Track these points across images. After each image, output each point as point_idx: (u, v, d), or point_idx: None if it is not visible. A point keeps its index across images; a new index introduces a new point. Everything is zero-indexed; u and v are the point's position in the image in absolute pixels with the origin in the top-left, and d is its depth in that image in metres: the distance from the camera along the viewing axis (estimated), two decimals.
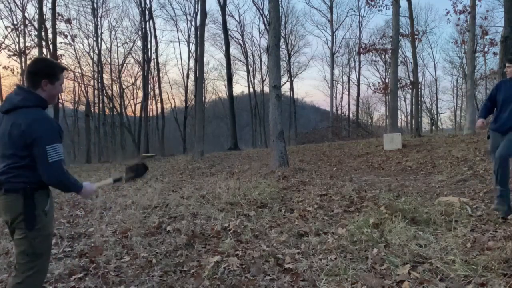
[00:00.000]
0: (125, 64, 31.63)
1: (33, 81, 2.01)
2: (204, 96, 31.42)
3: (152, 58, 28.75)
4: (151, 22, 28.00)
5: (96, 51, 28.68)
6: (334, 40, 33.76)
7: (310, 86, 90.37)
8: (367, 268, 2.79)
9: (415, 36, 19.37)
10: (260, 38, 44.64)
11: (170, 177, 10.08)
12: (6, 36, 31.62)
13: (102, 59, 29.27)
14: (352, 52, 36.13)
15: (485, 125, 4.16)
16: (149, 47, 27.91)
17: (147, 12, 27.92)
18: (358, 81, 35.85)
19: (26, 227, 1.94)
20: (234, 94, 28.24)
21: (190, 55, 33.93)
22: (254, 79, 37.18)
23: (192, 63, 30.19)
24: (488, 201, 4.76)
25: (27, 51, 21.13)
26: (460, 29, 24.94)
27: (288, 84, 35.68)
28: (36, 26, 19.32)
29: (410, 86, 20.42)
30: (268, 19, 13.41)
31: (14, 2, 23.07)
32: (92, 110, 29.38)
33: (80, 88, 31.09)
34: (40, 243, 1.98)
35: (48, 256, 2.08)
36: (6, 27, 37.25)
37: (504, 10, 10.34)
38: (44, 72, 2.02)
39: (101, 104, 29.18)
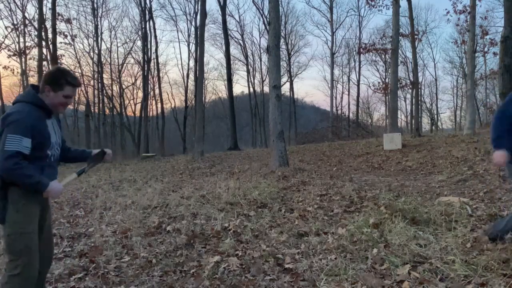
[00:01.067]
0: (125, 64, 31.70)
1: (41, 84, 2.12)
2: (204, 96, 31.44)
3: (152, 58, 28.78)
4: (151, 22, 28.04)
5: (96, 51, 28.71)
6: (334, 40, 33.78)
7: (310, 86, 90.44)
8: (367, 268, 2.79)
9: (415, 36, 19.37)
10: (260, 38, 44.70)
11: (170, 177, 10.08)
12: (6, 36, 31.65)
13: (102, 59, 29.30)
14: (352, 52, 36.17)
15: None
16: (149, 47, 27.94)
17: (147, 12, 27.93)
18: (358, 81, 35.89)
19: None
20: (234, 94, 28.27)
21: (190, 55, 33.99)
22: (254, 79, 37.24)
23: (192, 63, 30.23)
24: (488, 201, 4.76)
25: (27, 51, 21.18)
26: (460, 29, 24.99)
27: (288, 84, 35.74)
28: (36, 26, 19.33)
29: (410, 86, 20.43)
30: (268, 19, 13.41)
31: (14, 2, 23.11)
32: (92, 110, 29.37)
33: (80, 88, 31.02)
34: (14, 240, 1.98)
35: (29, 258, 2.03)
36: (6, 27, 37.21)
37: (504, 10, 10.33)
38: (49, 79, 2.10)
39: (101, 104, 29.18)
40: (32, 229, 2.06)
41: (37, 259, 2.08)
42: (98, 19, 29.03)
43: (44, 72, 2.22)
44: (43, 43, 17.92)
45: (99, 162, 2.59)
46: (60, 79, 2.10)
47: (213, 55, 53.78)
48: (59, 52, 19.49)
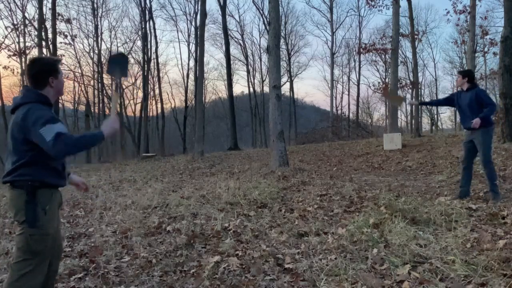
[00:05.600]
0: None
1: (39, 81, 2.07)
2: (204, 96, 31.41)
3: (152, 58, 28.80)
4: (151, 22, 28.05)
5: (96, 51, 28.74)
6: (334, 40, 33.80)
7: (310, 86, 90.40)
8: (367, 268, 2.79)
9: (415, 36, 19.36)
10: (260, 38, 44.63)
11: (170, 177, 10.08)
12: (6, 36, 31.68)
13: (102, 59, 29.29)
14: (352, 52, 36.16)
15: None
16: (149, 47, 27.94)
17: (147, 12, 27.93)
18: (358, 81, 35.88)
19: (25, 223, 1.97)
20: (234, 94, 28.26)
21: (190, 55, 34.02)
22: (254, 79, 37.24)
23: (192, 63, 30.24)
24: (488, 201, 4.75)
25: (27, 51, 21.12)
26: (460, 29, 24.93)
27: (288, 84, 35.74)
28: (36, 26, 19.31)
29: (410, 86, 20.42)
30: (268, 19, 13.41)
31: (14, 2, 23.09)
32: (92, 110, 29.38)
33: (80, 88, 31.02)
34: (36, 241, 1.98)
35: (45, 258, 2.06)
36: (6, 27, 37.25)
37: (504, 10, 10.33)
38: (47, 69, 2.08)
39: (101, 104, 29.17)
40: (53, 230, 2.10)
41: (49, 258, 2.10)
42: (98, 19, 29.10)
43: (30, 71, 2.08)
44: (43, 43, 17.89)
45: (123, 65, 2.44)
46: (54, 63, 2.14)
47: (213, 55, 53.94)
48: (59, 52, 19.50)
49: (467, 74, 4.96)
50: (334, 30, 33.79)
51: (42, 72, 2.06)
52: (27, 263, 1.98)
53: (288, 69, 35.48)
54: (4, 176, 2.01)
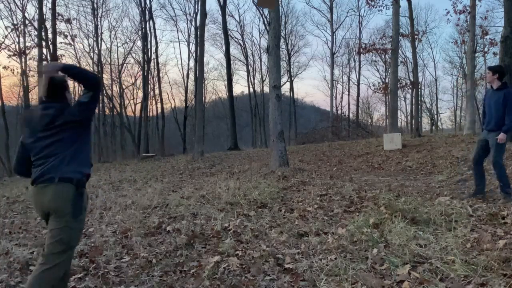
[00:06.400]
0: (125, 64, 31.67)
1: (65, 89, 2.35)
2: (204, 96, 31.41)
3: (152, 58, 28.74)
4: (151, 22, 28.00)
5: (96, 51, 28.72)
6: (334, 40, 33.79)
7: (310, 86, 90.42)
8: (367, 268, 2.79)
9: (415, 36, 19.35)
10: (260, 38, 44.60)
11: (170, 177, 10.08)
12: (6, 36, 31.65)
13: (102, 59, 29.31)
14: (352, 52, 36.12)
15: None
16: (149, 47, 27.90)
17: (147, 12, 27.90)
18: (358, 81, 35.85)
19: (71, 216, 2.17)
20: (234, 94, 28.26)
21: (190, 55, 34.00)
22: (254, 79, 37.22)
23: (192, 63, 30.22)
24: (488, 201, 4.75)
25: (27, 51, 21.12)
26: (460, 29, 24.89)
27: (288, 84, 35.72)
28: (36, 26, 19.31)
29: (410, 86, 20.41)
30: (268, 19, 13.42)
31: (14, 2, 23.06)
32: None
33: (80, 88, 31.05)
34: (76, 234, 2.25)
35: (73, 252, 2.33)
36: (6, 27, 37.25)
37: (504, 10, 10.32)
38: (66, 84, 2.40)
39: (101, 104, 29.14)
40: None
41: None
42: (98, 19, 29.06)
43: (49, 79, 2.24)
44: (43, 43, 17.89)
45: None
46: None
47: (213, 55, 53.92)
48: (59, 52, 19.46)
49: (498, 70, 4.68)
50: (334, 30, 33.81)
51: (65, 84, 2.36)
52: (64, 254, 2.18)
53: (288, 69, 35.49)
54: (49, 172, 2.16)
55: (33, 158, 2.25)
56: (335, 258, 3.00)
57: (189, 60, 34.36)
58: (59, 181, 2.16)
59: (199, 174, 10.51)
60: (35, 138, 2.22)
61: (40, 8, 17.68)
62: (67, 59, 27.56)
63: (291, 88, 36.12)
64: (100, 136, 29.70)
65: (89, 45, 29.88)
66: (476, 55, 20.07)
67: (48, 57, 17.99)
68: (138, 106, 31.51)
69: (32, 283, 2.12)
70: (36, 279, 2.12)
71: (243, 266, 3.06)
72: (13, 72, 20.16)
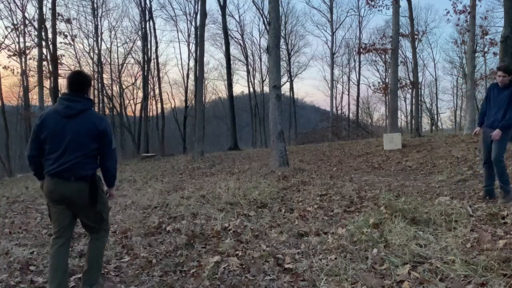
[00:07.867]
0: (125, 64, 31.70)
1: (88, 87, 2.68)
2: (204, 96, 31.43)
3: (152, 58, 28.75)
4: (151, 22, 28.00)
5: (96, 51, 28.71)
6: (334, 40, 33.78)
7: (310, 86, 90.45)
8: (367, 268, 2.79)
9: (415, 36, 19.35)
10: (260, 38, 44.62)
11: (170, 177, 10.08)
12: (6, 36, 31.66)
13: (102, 59, 29.31)
14: (352, 52, 36.13)
15: None
16: (149, 47, 27.90)
17: (147, 12, 27.90)
18: (358, 81, 35.86)
19: (94, 203, 2.58)
20: (234, 94, 28.23)
21: (190, 55, 34.02)
22: (254, 79, 37.24)
23: (192, 63, 30.20)
24: (488, 201, 4.75)
25: (27, 51, 21.11)
26: (460, 29, 24.83)
27: (288, 84, 35.74)
28: (36, 26, 19.30)
29: (410, 86, 20.38)
30: (268, 19, 13.41)
31: (14, 2, 23.08)
32: None
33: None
34: (106, 209, 2.77)
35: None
36: (6, 27, 37.26)
37: (504, 10, 10.33)
38: (90, 82, 2.76)
39: (101, 104, 29.16)
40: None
41: None
42: (98, 19, 29.09)
43: (66, 76, 2.57)
44: (43, 43, 17.88)
45: None
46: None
47: (213, 55, 53.95)
48: (59, 52, 19.42)
49: (511, 71, 4.60)
50: (334, 30, 33.81)
51: (89, 81, 2.72)
52: (105, 225, 2.76)
53: (288, 69, 35.50)
54: (71, 170, 2.49)
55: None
56: (335, 258, 3.00)
57: (189, 60, 34.42)
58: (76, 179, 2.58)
59: (199, 174, 10.51)
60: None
61: (40, 8, 17.68)
62: (67, 59, 27.61)
63: (291, 88, 36.18)
64: None
65: (89, 45, 29.93)
66: (476, 55, 20.08)
67: (48, 57, 17.99)
68: (138, 106, 31.58)
69: (95, 247, 2.69)
70: (96, 246, 2.71)
71: (243, 266, 3.06)
72: (13, 72, 20.15)
